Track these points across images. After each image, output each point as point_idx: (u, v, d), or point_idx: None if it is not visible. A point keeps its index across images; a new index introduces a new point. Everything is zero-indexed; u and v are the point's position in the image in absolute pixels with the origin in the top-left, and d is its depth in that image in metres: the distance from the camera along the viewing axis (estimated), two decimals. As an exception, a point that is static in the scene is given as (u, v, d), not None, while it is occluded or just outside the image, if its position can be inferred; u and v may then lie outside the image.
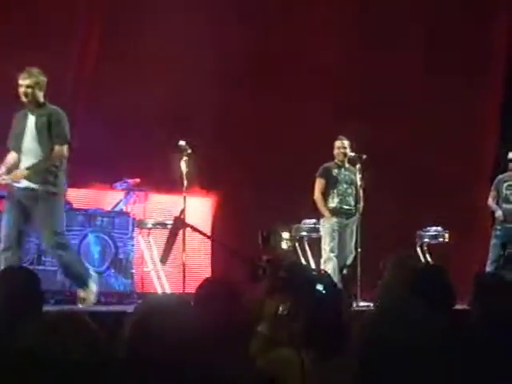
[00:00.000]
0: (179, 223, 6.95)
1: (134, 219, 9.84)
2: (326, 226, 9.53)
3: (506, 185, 10.04)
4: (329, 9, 11.90)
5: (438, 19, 11.91)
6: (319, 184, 9.62)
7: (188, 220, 8.84)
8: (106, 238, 9.56)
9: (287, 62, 11.77)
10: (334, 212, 9.54)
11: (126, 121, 10.70)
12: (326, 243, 9.48)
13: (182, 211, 8.05)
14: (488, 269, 9.70)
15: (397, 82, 11.77)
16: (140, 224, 9.91)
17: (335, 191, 9.59)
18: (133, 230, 9.76)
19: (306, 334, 3.53)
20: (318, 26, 11.84)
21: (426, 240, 10.68)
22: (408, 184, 11.53)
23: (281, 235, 10.21)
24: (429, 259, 10.43)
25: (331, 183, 9.62)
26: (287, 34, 11.71)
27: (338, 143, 9.71)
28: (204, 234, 7.94)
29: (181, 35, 10.91)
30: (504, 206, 9.98)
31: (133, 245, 9.74)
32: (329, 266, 9.29)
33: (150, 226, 9.91)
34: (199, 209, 11.07)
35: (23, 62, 10.14)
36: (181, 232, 7.90)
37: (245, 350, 3.16)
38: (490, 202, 10.09)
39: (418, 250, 10.56)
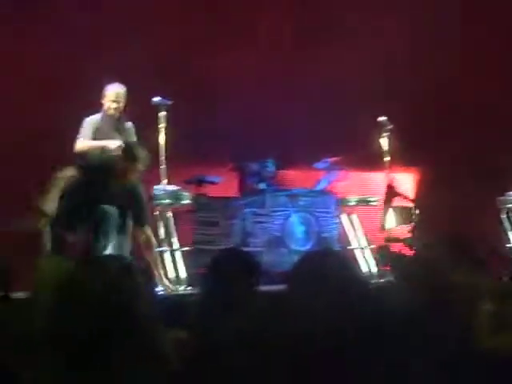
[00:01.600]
0: (392, 192, 6.87)
1: (336, 198, 9.81)
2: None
3: None
4: None
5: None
6: None
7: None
8: (310, 217, 9.58)
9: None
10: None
11: (325, 100, 10.65)
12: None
13: (392, 181, 7.96)
14: None
15: None
16: (342, 202, 9.86)
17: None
18: (335, 209, 9.74)
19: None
20: None
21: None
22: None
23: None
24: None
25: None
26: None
27: None
28: (412, 202, 7.82)
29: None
30: None
31: (336, 223, 9.71)
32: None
33: (352, 203, 9.84)
34: (401, 186, 10.87)
35: (215, 50, 10.40)
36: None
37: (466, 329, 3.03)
38: None
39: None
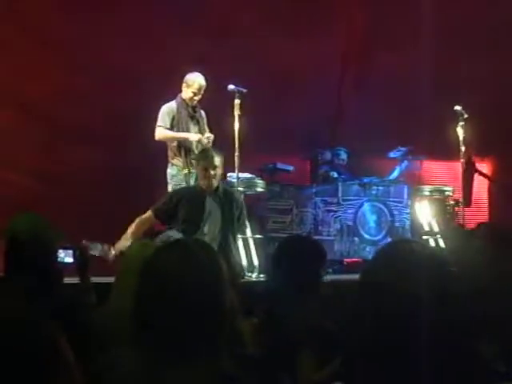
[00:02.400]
0: (470, 167, 6.76)
1: (409, 187, 9.74)
2: None
3: None
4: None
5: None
6: None
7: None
8: (382, 206, 9.54)
9: None
10: None
11: (400, 88, 10.56)
12: None
13: (471, 155, 7.86)
14: None
15: None
16: (416, 192, 9.79)
17: None
18: (408, 198, 9.67)
19: None
20: None
21: None
22: None
23: None
24: None
25: None
26: None
27: None
28: (489, 179, 7.70)
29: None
30: None
31: (408, 213, 9.64)
32: None
33: (426, 193, 9.76)
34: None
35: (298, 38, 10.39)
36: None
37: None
38: None
39: None
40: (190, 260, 2.06)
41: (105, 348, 2.53)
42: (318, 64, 10.51)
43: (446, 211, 9.34)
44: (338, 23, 11.01)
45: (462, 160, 8.51)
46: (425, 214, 9.62)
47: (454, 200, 9.59)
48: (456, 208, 9.46)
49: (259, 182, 8.64)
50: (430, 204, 9.65)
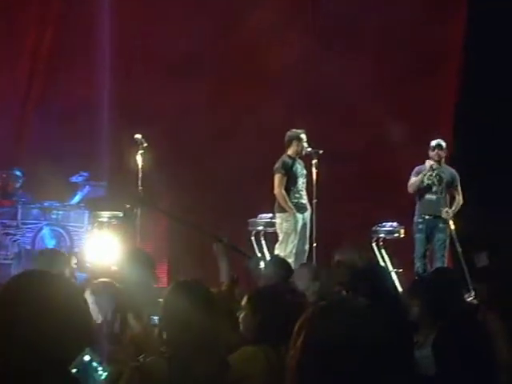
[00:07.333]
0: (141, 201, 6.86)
1: (89, 212, 9.78)
2: (292, 222, 9.09)
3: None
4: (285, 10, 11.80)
5: (391, 19, 11.83)
6: (281, 179, 9.12)
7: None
8: (62, 231, 9.50)
9: (243, 58, 11.66)
10: (296, 208, 9.13)
11: (82, 112, 10.62)
12: (290, 240, 9.08)
13: (142, 191, 8.04)
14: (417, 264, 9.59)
15: (350, 81, 11.69)
16: (96, 217, 9.84)
17: (295, 186, 9.17)
18: (88, 224, 9.71)
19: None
20: (276, 25, 11.75)
21: (382, 235, 10.60)
22: (363, 180, 11.48)
23: None
24: (384, 254, 10.42)
25: (292, 178, 9.17)
26: (246, 32, 11.61)
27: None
28: (173, 217, 7.87)
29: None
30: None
31: (89, 238, 9.68)
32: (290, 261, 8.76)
33: (105, 219, 9.84)
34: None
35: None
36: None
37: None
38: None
39: (374, 244, 10.52)
40: None
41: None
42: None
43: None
44: (25, 42, 10.88)
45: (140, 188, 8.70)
46: (103, 239, 9.71)
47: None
48: None
49: None
50: (109, 230, 9.76)
